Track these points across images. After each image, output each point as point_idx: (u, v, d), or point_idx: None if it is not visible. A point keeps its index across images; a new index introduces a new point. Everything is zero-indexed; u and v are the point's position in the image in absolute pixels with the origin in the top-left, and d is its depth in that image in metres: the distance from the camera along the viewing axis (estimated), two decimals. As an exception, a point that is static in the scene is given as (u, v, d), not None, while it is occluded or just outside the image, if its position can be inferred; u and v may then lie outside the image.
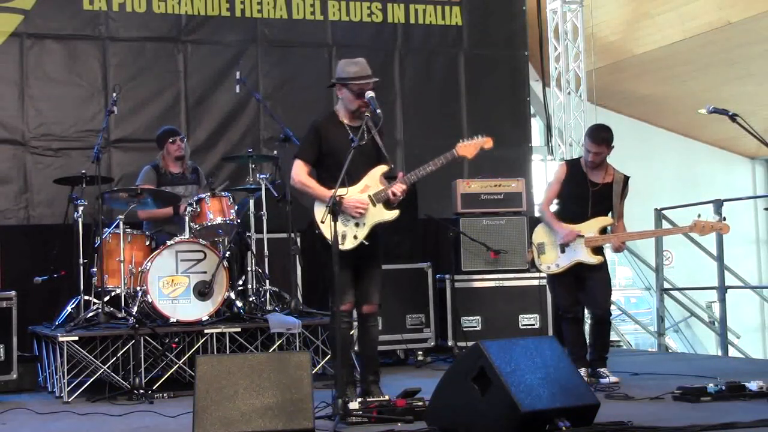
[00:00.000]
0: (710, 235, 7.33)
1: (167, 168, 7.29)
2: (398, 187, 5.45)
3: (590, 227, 6.40)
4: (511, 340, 4.62)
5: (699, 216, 6.32)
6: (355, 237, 5.42)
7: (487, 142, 5.67)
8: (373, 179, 5.51)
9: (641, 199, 10.62)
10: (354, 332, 5.91)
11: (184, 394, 5.93)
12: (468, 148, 5.64)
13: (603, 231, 6.45)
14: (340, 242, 5.09)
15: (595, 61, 10.78)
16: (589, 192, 6.44)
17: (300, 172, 5.52)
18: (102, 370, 6.31)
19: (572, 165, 6.65)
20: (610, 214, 6.45)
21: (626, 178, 6.53)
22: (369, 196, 5.46)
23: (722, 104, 5.91)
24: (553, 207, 6.64)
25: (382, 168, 5.55)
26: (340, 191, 5.17)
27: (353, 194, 5.38)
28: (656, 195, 11.67)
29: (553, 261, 6.46)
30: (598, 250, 6.44)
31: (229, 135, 8.84)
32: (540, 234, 6.56)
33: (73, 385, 6.21)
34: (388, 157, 5.59)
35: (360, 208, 5.39)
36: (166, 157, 7.29)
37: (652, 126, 13.85)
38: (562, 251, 6.42)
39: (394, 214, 5.51)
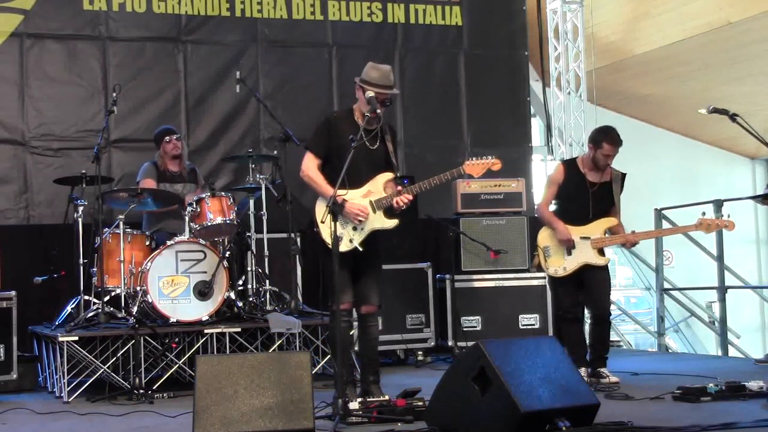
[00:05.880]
0: (710, 235, 7.36)
1: (165, 166, 7.31)
2: (403, 198, 5.40)
3: (596, 229, 6.40)
4: (511, 340, 4.62)
5: (704, 214, 6.36)
6: (351, 241, 5.40)
7: (495, 164, 5.65)
8: (376, 185, 5.49)
9: (641, 199, 10.65)
10: (354, 332, 5.91)
11: (184, 394, 5.94)
12: (476, 167, 5.63)
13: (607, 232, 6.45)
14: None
15: (595, 61, 10.77)
16: (589, 192, 6.43)
17: (310, 166, 5.50)
18: (102, 370, 6.31)
19: (569, 166, 6.63)
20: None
21: (623, 176, 6.53)
22: (370, 202, 5.45)
23: (722, 104, 5.89)
24: (552, 208, 6.64)
25: (387, 175, 5.52)
26: (340, 192, 5.16)
27: (355, 199, 5.36)
28: (656, 195, 11.67)
29: (561, 264, 6.44)
30: (603, 251, 6.44)
31: (229, 135, 8.84)
32: (544, 237, 6.53)
33: (73, 385, 6.21)
34: (396, 165, 5.57)
35: (360, 215, 5.38)
36: (163, 156, 7.32)
37: (652, 126, 13.83)
38: (569, 254, 6.41)
39: (393, 222, 5.48)
